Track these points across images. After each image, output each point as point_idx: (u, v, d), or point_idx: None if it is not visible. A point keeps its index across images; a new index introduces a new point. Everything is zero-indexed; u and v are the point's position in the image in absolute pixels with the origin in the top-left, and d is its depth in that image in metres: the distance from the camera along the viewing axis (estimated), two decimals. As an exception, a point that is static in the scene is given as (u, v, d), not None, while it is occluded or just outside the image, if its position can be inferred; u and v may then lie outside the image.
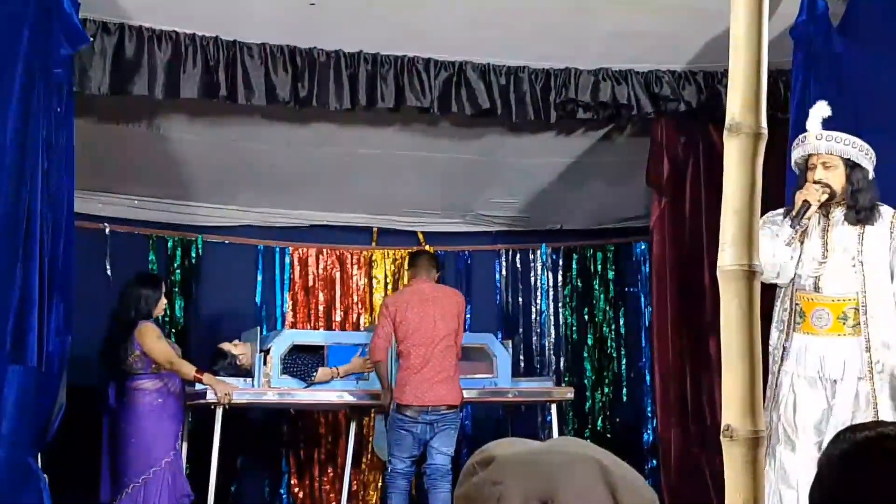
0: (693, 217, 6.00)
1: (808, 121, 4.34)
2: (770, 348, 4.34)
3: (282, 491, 6.94)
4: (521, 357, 7.40)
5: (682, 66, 5.83)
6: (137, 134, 5.92)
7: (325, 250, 7.28)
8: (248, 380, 5.71)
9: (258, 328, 6.01)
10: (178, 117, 5.86)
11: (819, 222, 4.32)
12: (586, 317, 7.51)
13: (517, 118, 5.75)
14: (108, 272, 6.43)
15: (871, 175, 4.30)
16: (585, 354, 7.50)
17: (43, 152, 4.31)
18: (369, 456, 6.97)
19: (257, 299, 7.09)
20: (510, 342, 6.69)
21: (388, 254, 7.40)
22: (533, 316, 7.55)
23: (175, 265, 6.86)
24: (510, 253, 7.58)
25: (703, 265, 5.81)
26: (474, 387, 6.04)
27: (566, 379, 7.30)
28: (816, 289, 4.30)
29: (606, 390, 7.47)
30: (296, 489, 6.92)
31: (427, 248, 7.42)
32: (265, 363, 5.72)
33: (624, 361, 7.49)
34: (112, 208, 6.56)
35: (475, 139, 6.33)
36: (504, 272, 7.57)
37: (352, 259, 7.33)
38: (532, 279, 7.58)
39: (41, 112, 4.29)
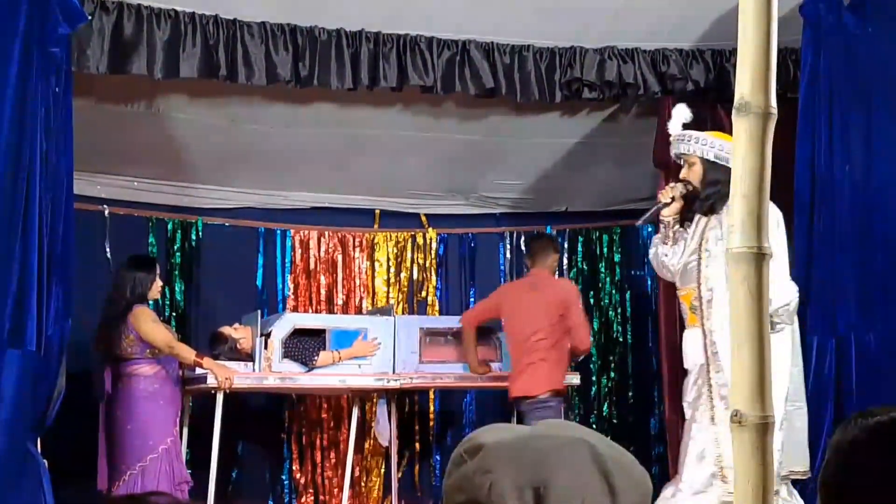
0: (701, 199, 5.98)
1: (669, 123, 4.71)
2: None
3: (283, 477, 6.97)
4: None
5: (690, 45, 5.81)
6: (136, 114, 5.92)
7: (326, 233, 7.28)
8: (249, 364, 5.72)
9: (259, 312, 6.01)
10: (178, 97, 5.85)
11: (698, 219, 4.64)
12: (592, 300, 7.50)
13: (522, 98, 5.74)
14: (108, 255, 6.44)
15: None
16: (591, 339, 7.50)
17: (41, 133, 4.30)
18: (371, 442, 6.98)
19: (258, 282, 7.09)
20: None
21: (390, 236, 7.39)
22: (538, 299, 7.53)
23: (175, 248, 6.87)
24: (515, 235, 7.57)
25: (710, 248, 5.79)
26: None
27: (571, 364, 7.30)
28: (681, 283, 4.67)
29: (612, 375, 7.48)
30: (297, 475, 6.95)
31: (430, 230, 7.42)
32: (266, 347, 5.73)
33: (630, 346, 7.49)
34: (111, 190, 6.56)
35: (479, 119, 6.32)
36: (509, 255, 7.56)
37: (354, 242, 7.33)
38: (537, 262, 7.56)
39: (39, 92, 4.29)
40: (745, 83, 1.40)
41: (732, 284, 1.39)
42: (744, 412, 1.34)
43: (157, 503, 0.94)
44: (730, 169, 4.70)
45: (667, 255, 4.70)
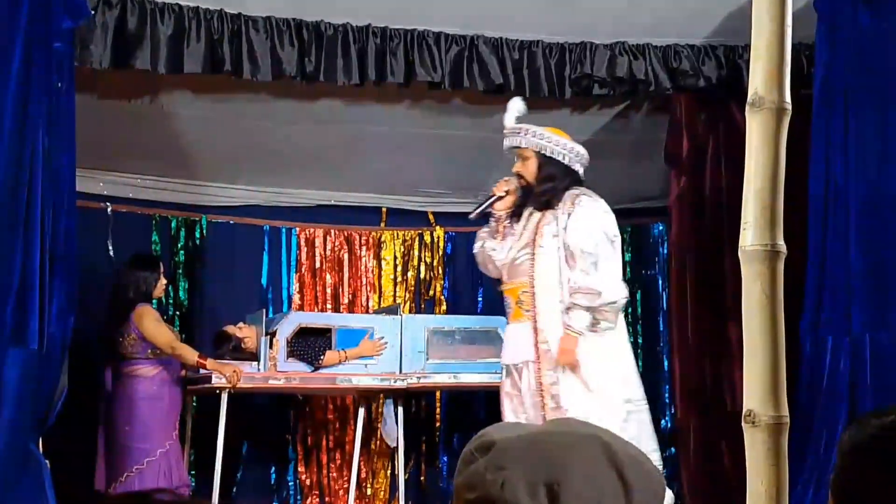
0: (713, 197, 5.97)
1: (504, 115, 4.71)
2: None
3: (288, 478, 6.97)
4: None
5: (702, 41, 5.79)
6: (140, 110, 5.92)
7: (332, 231, 7.28)
8: (254, 364, 5.73)
9: (263, 311, 6.02)
10: (182, 93, 5.86)
11: (530, 213, 4.65)
12: (602, 300, 7.49)
13: (531, 94, 5.72)
14: (111, 253, 6.44)
15: (574, 167, 4.62)
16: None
17: (43, 129, 4.31)
18: (378, 442, 6.98)
19: (263, 281, 7.10)
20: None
21: (397, 235, 7.39)
22: (547, 299, 7.53)
23: (179, 246, 6.87)
24: (523, 234, 7.56)
25: (723, 247, 5.79)
26: (484, 371, 6.04)
27: (581, 364, 7.29)
28: (508, 277, 4.68)
29: (622, 375, 7.46)
30: (303, 476, 6.95)
31: (437, 228, 7.42)
32: (271, 346, 5.73)
33: (641, 346, 7.48)
34: (114, 187, 6.56)
35: (487, 116, 6.30)
36: (517, 254, 7.55)
37: (360, 240, 7.33)
38: (546, 261, 7.56)
39: (41, 87, 4.29)
40: (758, 78, 1.40)
41: (745, 283, 1.39)
42: (757, 412, 1.33)
43: (161, 501, 0.94)
44: (564, 164, 4.77)
45: (495, 250, 4.72)
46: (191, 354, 5.50)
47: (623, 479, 1.10)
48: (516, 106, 4.72)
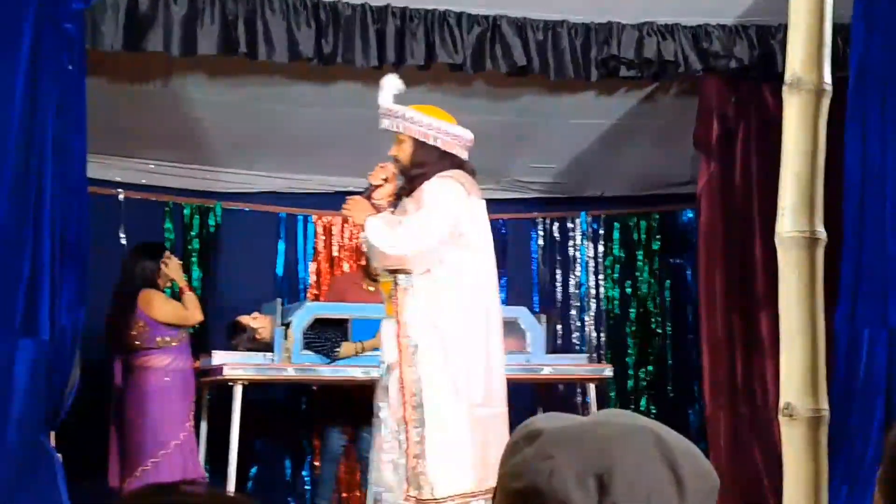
0: (744, 183, 5.94)
1: (379, 93, 4.45)
2: None
3: (304, 473, 6.99)
4: (559, 333, 7.38)
5: (734, 20, 5.76)
6: (153, 94, 5.93)
7: (350, 219, 7.27)
8: (268, 355, 5.74)
9: (279, 300, 6.03)
10: (196, 76, 5.86)
11: (403, 203, 4.45)
12: (629, 290, 7.48)
13: (555, 77, 5.71)
14: (123, 241, 6.47)
15: (452, 151, 4.40)
16: (628, 330, 7.47)
17: (53, 113, 4.33)
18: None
19: (279, 270, 7.11)
20: (544, 316, 6.66)
21: (416, 222, 7.39)
22: (572, 289, 7.52)
23: (192, 233, 6.89)
24: (548, 221, 7.55)
25: (754, 234, 5.77)
26: (506, 363, 6.02)
27: (607, 356, 7.28)
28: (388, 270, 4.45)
29: (650, 368, 7.45)
30: (318, 471, 6.96)
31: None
32: (286, 337, 5.74)
33: (669, 338, 7.46)
34: (126, 173, 6.58)
35: (510, 99, 6.30)
36: (541, 242, 7.54)
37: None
38: (571, 250, 7.55)
39: (51, 70, 4.30)
40: (797, 58, 1.39)
41: (783, 271, 1.38)
42: (795, 405, 1.32)
43: (190, 492, 0.93)
44: (438, 150, 4.60)
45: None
46: (194, 308, 5.60)
47: (676, 473, 1.09)
48: (392, 84, 4.46)
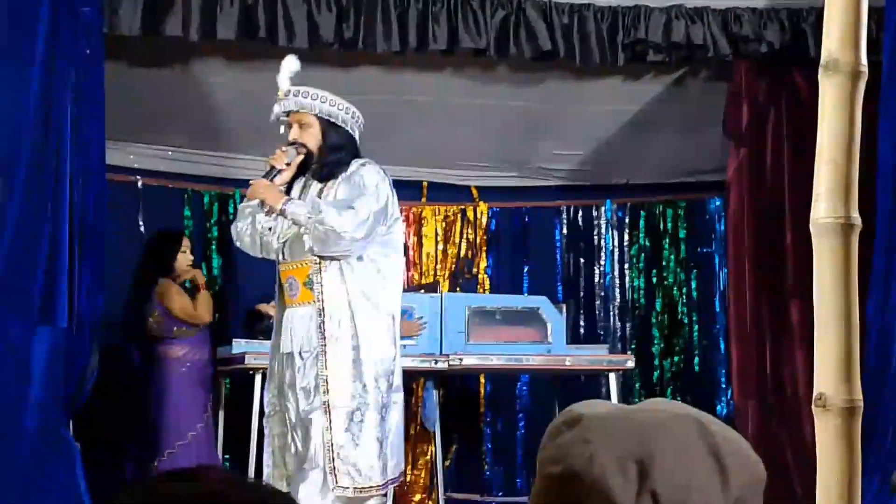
0: (775, 170, 5.91)
1: (278, 76, 4.33)
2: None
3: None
4: (583, 323, 7.38)
5: (764, 3, 5.72)
6: (171, 79, 5.95)
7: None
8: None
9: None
10: (215, 61, 5.87)
11: (305, 185, 4.36)
12: (655, 279, 7.45)
13: (581, 61, 5.69)
14: (141, 228, 6.49)
15: (354, 133, 4.37)
16: (654, 320, 7.45)
17: (71, 98, 4.35)
18: (417, 427, 7.00)
19: (299, 258, 7.12)
20: (564, 306, 6.65)
21: (438, 210, 7.39)
22: (596, 279, 7.51)
23: (212, 221, 6.90)
24: (572, 210, 7.53)
25: (784, 222, 5.74)
26: (526, 353, 6.03)
27: (632, 347, 7.27)
28: (285, 255, 4.37)
29: (676, 359, 7.43)
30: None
31: (481, 204, 7.41)
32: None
33: (696, 328, 7.43)
34: (145, 160, 6.60)
35: (535, 85, 6.28)
36: (565, 231, 7.53)
37: (400, 216, 7.33)
38: (595, 238, 7.53)
39: (68, 54, 4.32)
40: (833, 38, 1.37)
41: (817, 258, 1.37)
42: (828, 395, 1.31)
43: (212, 478, 0.94)
44: (347, 131, 4.49)
45: (271, 228, 4.37)
46: (204, 309, 5.59)
47: (719, 460, 1.08)
48: (290, 65, 4.37)
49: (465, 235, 7.40)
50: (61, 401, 4.38)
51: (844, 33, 1.38)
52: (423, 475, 7.10)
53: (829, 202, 1.36)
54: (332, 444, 4.13)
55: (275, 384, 4.35)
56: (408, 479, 7.05)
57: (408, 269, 7.32)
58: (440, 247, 7.34)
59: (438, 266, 7.35)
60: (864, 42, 1.38)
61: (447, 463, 6.88)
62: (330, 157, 4.33)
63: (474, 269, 7.41)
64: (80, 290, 4.41)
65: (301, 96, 4.31)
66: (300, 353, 4.27)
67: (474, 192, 7.40)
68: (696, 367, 7.42)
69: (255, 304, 6.08)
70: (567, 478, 1.09)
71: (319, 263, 4.23)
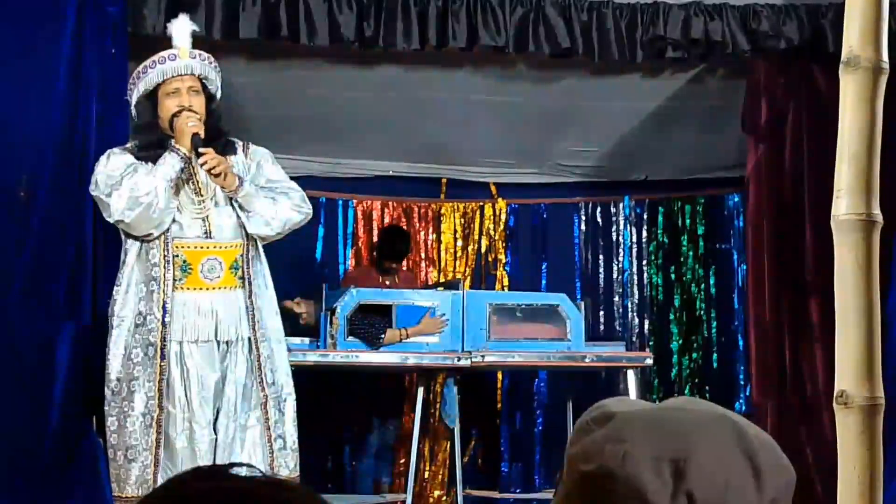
0: (794, 166, 5.88)
1: (175, 36, 4.07)
2: (126, 314, 4.02)
3: (344, 461, 7.02)
4: (602, 320, 7.36)
5: (783, 0, 5.69)
6: (192, 78, 5.96)
7: (390, 203, 7.29)
8: (314, 340, 5.77)
9: (325, 286, 6.05)
10: (236, 59, 5.88)
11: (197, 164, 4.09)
12: (673, 276, 7.43)
13: (600, 58, 5.67)
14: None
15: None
16: (672, 317, 7.44)
17: (96, 97, 4.36)
18: (436, 424, 7.00)
19: (318, 255, 7.14)
20: (583, 303, 6.64)
21: (457, 207, 7.39)
22: (615, 275, 7.50)
23: (232, 218, 6.93)
24: (590, 206, 7.52)
25: (804, 219, 5.70)
26: (547, 350, 6.02)
27: (650, 344, 7.25)
28: (208, 235, 4.10)
29: (695, 356, 7.41)
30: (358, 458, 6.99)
31: (500, 200, 7.40)
32: (331, 323, 5.77)
33: (714, 325, 7.41)
34: (167, 157, 6.63)
35: (554, 82, 6.27)
36: (583, 227, 7.52)
37: (419, 212, 7.34)
38: (614, 235, 7.52)
39: (94, 51, 4.34)
40: (854, 34, 1.36)
41: (838, 255, 1.36)
42: (850, 392, 1.31)
43: (241, 476, 0.93)
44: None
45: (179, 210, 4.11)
46: None
47: (753, 462, 1.07)
48: (191, 25, 4.18)
49: (484, 232, 7.40)
50: (85, 396, 4.40)
51: (866, 29, 1.37)
52: (441, 472, 7.10)
53: (850, 199, 1.36)
54: (272, 434, 4.37)
55: None
56: (426, 475, 7.06)
57: (426, 266, 7.33)
58: (459, 243, 7.34)
59: (458, 262, 7.35)
60: (886, 38, 1.38)
61: (466, 458, 6.87)
62: (223, 132, 4.27)
63: (493, 267, 7.41)
64: (104, 288, 4.43)
65: (209, 64, 4.16)
66: (226, 341, 4.14)
67: (493, 188, 7.40)
68: (715, 364, 7.40)
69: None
70: (599, 476, 1.08)
71: (248, 247, 4.20)
